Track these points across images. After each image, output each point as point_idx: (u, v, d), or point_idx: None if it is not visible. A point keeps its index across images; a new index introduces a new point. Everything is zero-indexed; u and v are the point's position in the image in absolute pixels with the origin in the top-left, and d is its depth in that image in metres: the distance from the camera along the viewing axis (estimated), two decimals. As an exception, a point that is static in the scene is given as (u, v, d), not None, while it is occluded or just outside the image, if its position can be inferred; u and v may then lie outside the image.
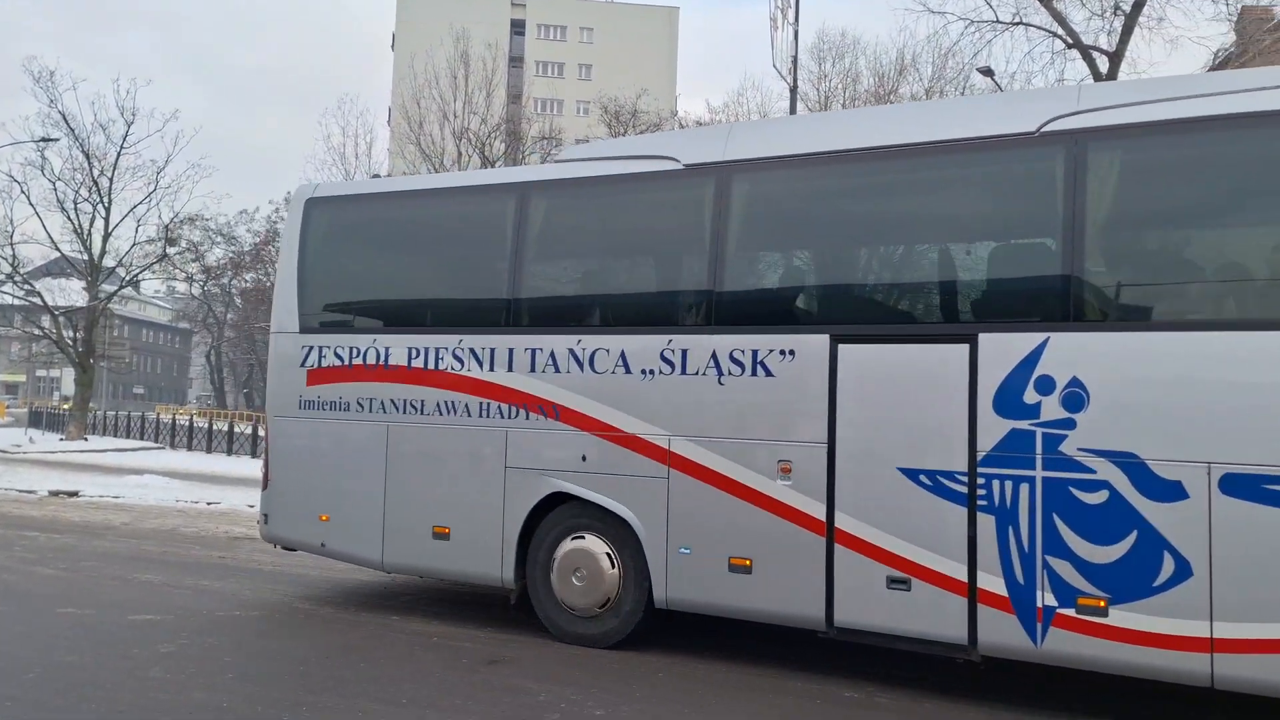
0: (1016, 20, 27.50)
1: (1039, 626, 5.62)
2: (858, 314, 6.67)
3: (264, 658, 6.85)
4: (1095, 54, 26.37)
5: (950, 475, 5.91)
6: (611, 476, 7.05)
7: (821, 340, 6.39)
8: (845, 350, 6.31)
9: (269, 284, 47.13)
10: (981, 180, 6.49)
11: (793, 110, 26.65)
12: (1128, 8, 26.01)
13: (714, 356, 6.73)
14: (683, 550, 6.77)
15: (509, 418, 7.48)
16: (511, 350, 7.52)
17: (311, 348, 8.49)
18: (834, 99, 40.72)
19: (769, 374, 6.54)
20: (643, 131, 42.58)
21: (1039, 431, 5.68)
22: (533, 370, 7.42)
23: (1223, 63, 26.65)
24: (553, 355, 7.34)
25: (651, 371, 6.95)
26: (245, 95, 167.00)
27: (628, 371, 7.05)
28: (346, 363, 8.30)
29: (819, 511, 6.31)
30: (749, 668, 6.70)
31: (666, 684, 6.31)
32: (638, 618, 6.99)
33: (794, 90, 26.79)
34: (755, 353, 6.59)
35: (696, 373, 6.78)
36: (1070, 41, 26.89)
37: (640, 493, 6.94)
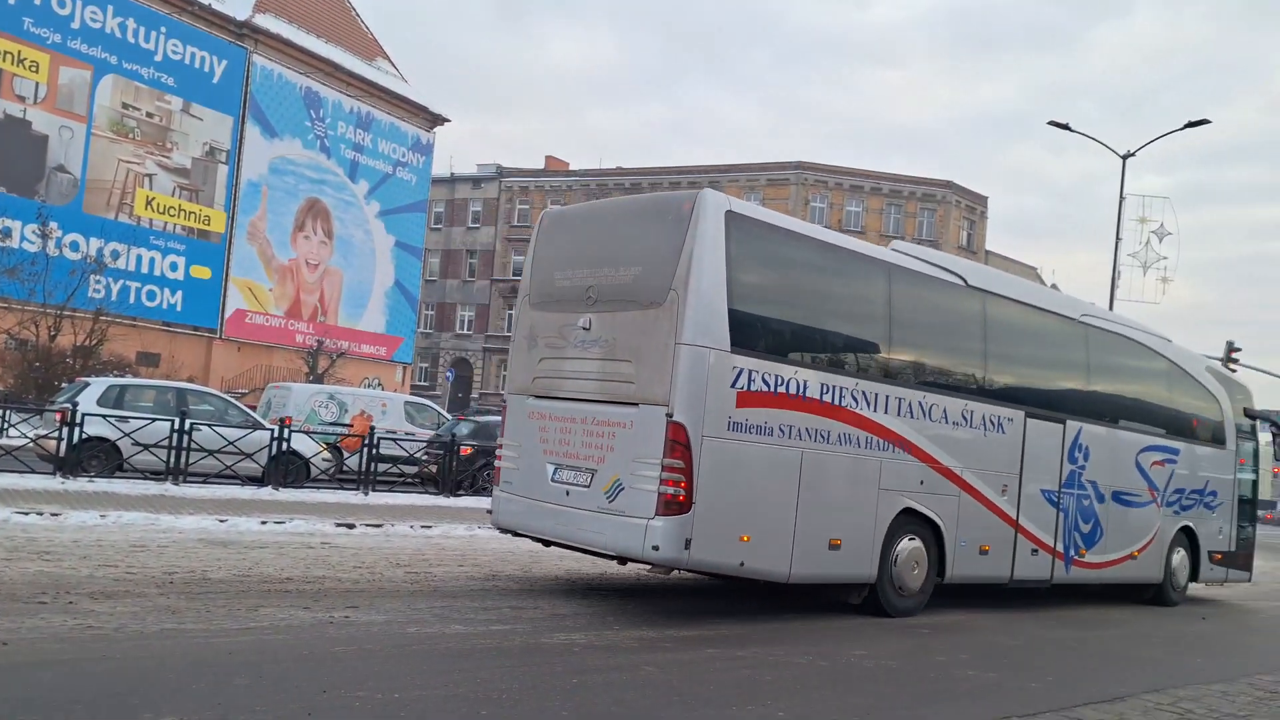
0: None
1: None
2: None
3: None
4: None
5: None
6: (933, 495, 10.01)
7: (1017, 414, 11.01)
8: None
9: None
10: None
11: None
12: None
13: (984, 417, 10.56)
14: (961, 542, 10.33)
15: (881, 450, 9.48)
16: (886, 397, 9.52)
17: (742, 370, 8.28)
18: None
19: (1001, 431, 10.79)
20: None
21: None
22: (898, 414, 9.63)
23: None
24: (909, 404, 9.75)
25: (956, 423, 10.26)
26: None
27: (946, 422, 10.14)
28: (773, 389, 8.50)
29: (1011, 511, 10.94)
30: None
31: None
32: (930, 592, 10.12)
33: None
34: (990, 416, 10.75)
35: (977, 426, 10.47)
36: None
37: (946, 505, 10.14)
